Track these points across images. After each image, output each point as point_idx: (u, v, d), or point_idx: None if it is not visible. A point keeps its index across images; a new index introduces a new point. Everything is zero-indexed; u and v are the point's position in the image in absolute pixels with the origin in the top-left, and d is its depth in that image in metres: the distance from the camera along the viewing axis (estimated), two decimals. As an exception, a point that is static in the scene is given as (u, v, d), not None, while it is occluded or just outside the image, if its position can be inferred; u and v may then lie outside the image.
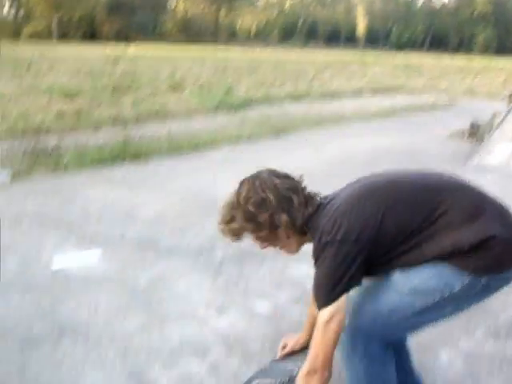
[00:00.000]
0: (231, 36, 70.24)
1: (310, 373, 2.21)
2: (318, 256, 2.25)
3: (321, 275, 2.24)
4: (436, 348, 3.38)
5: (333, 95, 15.51)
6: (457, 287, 2.19)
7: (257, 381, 2.73)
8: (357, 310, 2.38)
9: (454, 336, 3.53)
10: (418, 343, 3.38)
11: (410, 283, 2.26)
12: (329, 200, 2.40)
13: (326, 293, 2.20)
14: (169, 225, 5.13)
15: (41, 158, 7.31)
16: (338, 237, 2.19)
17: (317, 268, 2.26)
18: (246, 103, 13.17)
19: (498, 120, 9.58)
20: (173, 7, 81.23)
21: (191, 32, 75.06)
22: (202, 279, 4.12)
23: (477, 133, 9.92)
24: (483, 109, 10.79)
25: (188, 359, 3.14)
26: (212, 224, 5.09)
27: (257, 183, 2.37)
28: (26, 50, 30.02)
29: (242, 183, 2.44)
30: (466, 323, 3.67)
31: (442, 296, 2.21)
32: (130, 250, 4.59)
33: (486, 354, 3.36)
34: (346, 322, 2.29)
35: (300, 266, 4.34)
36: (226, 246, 4.65)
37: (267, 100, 13.79)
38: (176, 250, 4.61)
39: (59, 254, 4.43)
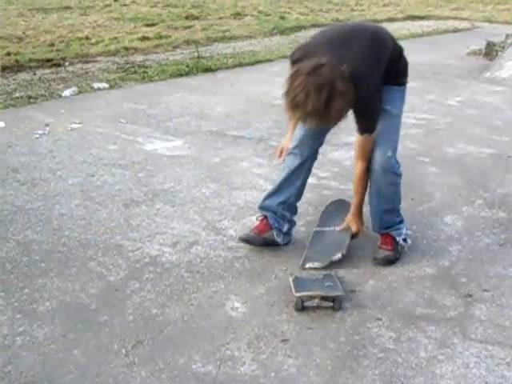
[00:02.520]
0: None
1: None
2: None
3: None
4: (443, 213, 3.60)
5: (370, 21, 15.19)
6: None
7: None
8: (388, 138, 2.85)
9: (457, 205, 3.73)
10: (429, 209, 3.63)
11: (398, 110, 2.96)
12: None
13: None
14: (234, 120, 5.34)
15: (130, 72, 7.53)
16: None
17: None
18: (297, 27, 13.05)
19: (510, 40, 9.39)
20: None
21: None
22: (261, 160, 4.37)
23: (491, 51, 9.73)
24: (499, 33, 10.51)
25: (249, 216, 3.44)
26: (268, 119, 5.37)
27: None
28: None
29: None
30: (467, 196, 3.88)
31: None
32: (204, 138, 4.84)
33: (481, 218, 3.57)
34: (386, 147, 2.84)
35: (337, 152, 4.57)
36: (280, 136, 4.87)
37: (314, 25, 13.62)
38: (240, 139, 4.84)
39: (150, 142, 4.71)
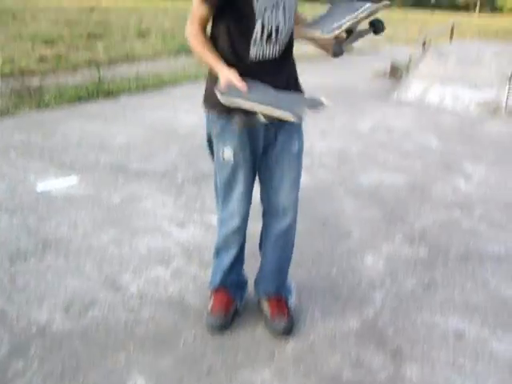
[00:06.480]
0: (190, -10, 67.85)
1: None
2: None
3: None
4: (363, 252, 3.36)
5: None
6: None
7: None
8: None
9: (377, 242, 3.51)
10: (348, 249, 3.38)
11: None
12: None
13: None
14: (137, 151, 4.95)
15: (26, 97, 6.96)
16: None
17: None
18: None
19: (413, 62, 9.50)
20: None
21: (155, -13, 72.39)
22: (166, 198, 4.00)
23: (396, 73, 9.83)
24: (401, 53, 10.65)
25: (152, 267, 3.06)
26: (173, 150, 5.01)
27: None
28: (11, 2, 28.53)
29: None
30: (386, 231, 3.67)
31: None
32: (103, 173, 4.41)
33: (403, 256, 3.36)
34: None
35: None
36: (186, 169, 4.54)
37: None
38: (143, 174, 4.45)
39: (43, 179, 4.25)
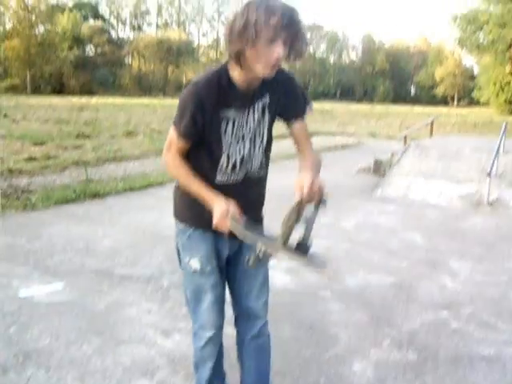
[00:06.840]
0: (178, 89, 69.87)
1: None
2: None
3: None
4: (351, 359, 3.30)
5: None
6: None
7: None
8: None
9: (365, 347, 3.45)
10: (336, 356, 3.32)
11: None
12: None
13: None
14: (123, 255, 4.92)
15: (12, 198, 7.01)
16: None
17: None
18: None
19: (396, 158, 9.72)
20: (129, 64, 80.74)
21: (144, 85, 74.70)
22: (150, 305, 3.93)
23: (379, 168, 10.02)
24: (384, 148, 10.91)
25: (136, 379, 2.97)
26: (159, 254, 4.99)
27: None
28: (3, 101, 29.20)
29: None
30: (374, 335, 3.62)
31: None
32: (88, 279, 4.36)
33: (391, 362, 3.29)
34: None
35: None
36: (171, 273, 4.50)
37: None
38: (128, 278, 4.40)
39: (26, 285, 4.19)
